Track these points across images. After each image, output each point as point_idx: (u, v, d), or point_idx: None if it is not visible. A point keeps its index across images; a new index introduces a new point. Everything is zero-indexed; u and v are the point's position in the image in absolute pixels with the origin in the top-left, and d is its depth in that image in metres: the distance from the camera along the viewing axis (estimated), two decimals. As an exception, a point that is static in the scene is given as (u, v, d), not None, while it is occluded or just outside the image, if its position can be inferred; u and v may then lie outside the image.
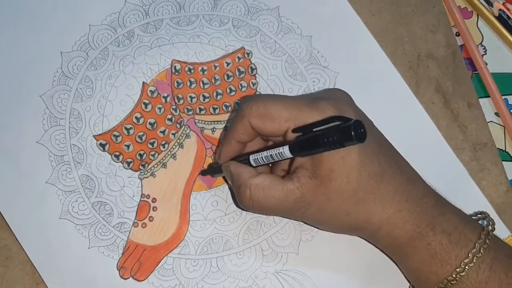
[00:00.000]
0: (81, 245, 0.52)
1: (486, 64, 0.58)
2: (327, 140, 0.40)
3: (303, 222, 0.52)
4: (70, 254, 0.52)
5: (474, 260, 0.44)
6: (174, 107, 0.55)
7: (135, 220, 0.53)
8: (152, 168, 0.54)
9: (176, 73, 0.55)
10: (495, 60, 0.59)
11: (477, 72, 0.58)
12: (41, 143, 0.54)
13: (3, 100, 0.54)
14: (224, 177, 0.53)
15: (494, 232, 0.47)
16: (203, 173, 0.54)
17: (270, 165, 0.51)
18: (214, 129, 0.54)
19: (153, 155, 0.54)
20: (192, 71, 0.56)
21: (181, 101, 0.55)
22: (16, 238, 0.52)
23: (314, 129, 0.43)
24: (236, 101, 0.55)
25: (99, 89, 0.55)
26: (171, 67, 0.56)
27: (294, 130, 0.45)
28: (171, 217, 0.53)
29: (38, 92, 0.54)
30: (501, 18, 0.58)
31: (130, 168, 0.54)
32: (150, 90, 0.55)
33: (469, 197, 0.54)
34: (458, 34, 0.59)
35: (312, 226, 0.52)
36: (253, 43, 0.57)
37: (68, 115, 0.54)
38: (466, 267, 0.44)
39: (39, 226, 0.52)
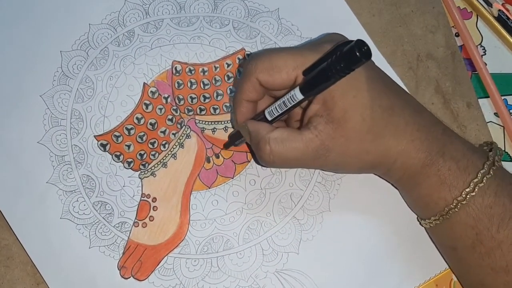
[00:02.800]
0: (82, 245, 0.52)
1: (486, 64, 0.58)
2: (334, 69, 0.40)
3: (322, 169, 0.52)
4: (71, 254, 0.52)
5: (480, 185, 0.45)
6: (174, 107, 0.55)
7: (136, 220, 0.53)
8: (153, 168, 0.54)
9: (177, 74, 0.56)
10: (494, 60, 0.59)
11: (476, 72, 0.58)
12: (42, 143, 0.54)
13: (4, 100, 0.54)
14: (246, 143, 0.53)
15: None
16: (227, 146, 0.54)
17: (285, 121, 0.51)
18: (215, 129, 0.55)
19: (153, 155, 0.54)
20: (193, 72, 0.56)
21: (182, 102, 0.55)
22: (17, 238, 0.52)
23: (319, 65, 0.43)
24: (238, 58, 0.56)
25: (100, 90, 0.55)
26: (172, 68, 0.56)
27: (304, 73, 0.45)
28: (172, 216, 0.53)
29: (38, 92, 0.55)
30: (500, 18, 0.59)
31: (131, 168, 0.54)
32: (151, 91, 0.55)
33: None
34: (457, 35, 0.59)
35: (331, 171, 0.52)
36: (253, 44, 0.57)
37: (69, 116, 0.55)
38: (468, 195, 0.45)
39: (40, 226, 0.52)
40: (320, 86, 0.43)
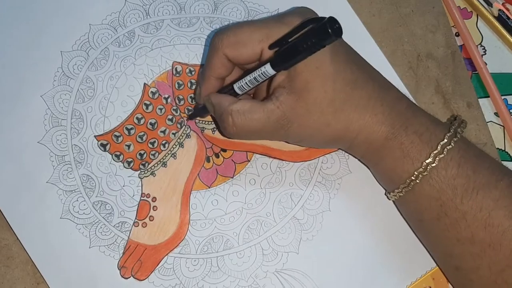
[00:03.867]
0: (82, 245, 0.52)
1: (486, 64, 0.58)
2: (306, 44, 0.41)
3: (286, 141, 0.52)
4: (71, 253, 0.52)
5: (440, 156, 0.45)
6: (175, 107, 0.55)
7: (136, 220, 0.53)
8: (152, 167, 0.54)
9: (177, 75, 0.56)
10: (494, 60, 0.59)
11: (476, 72, 0.58)
12: (42, 143, 0.54)
13: (4, 100, 0.54)
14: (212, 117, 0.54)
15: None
16: (191, 117, 0.54)
17: (252, 94, 0.52)
18: (215, 129, 0.55)
19: (153, 155, 0.54)
20: (193, 72, 0.56)
21: (182, 102, 0.55)
22: (17, 238, 0.52)
23: (289, 40, 0.44)
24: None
25: (100, 90, 0.55)
26: (172, 68, 0.56)
27: (271, 47, 0.46)
28: (171, 216, 0.53)
29: (39, 92, 0.55)
30: (500, 18, 0.59)
31: (131, 168, 0.54)
32: (151, 91, 0.55)
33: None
34: (457, 34, 0.59)
35: (295, 144, 0.52)
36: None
37: (69, 116, 0.55)
38: (428, 167, 0.45)
39: (40, 226, 0.52)
40: (291, 61, 0.43)
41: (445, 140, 0.46)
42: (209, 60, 0.48)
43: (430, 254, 0.52)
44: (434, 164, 0.45)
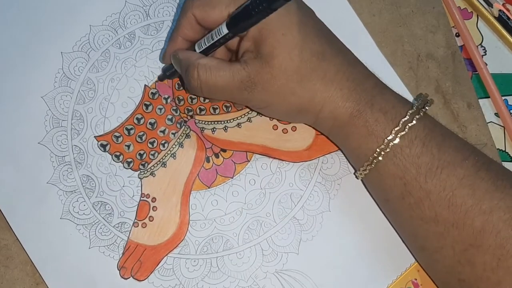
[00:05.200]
0: (81, 245, 0.52)
1: (486, 64, 0.58)
2: (257, 8, 0.42)
3: (250, 106, 0.52)
4: (71, 254, 0.52)
5: (402, 133, 0.45)
6: (174, 108, 0.55)
7: (135, 220, 0.53)
8: (152, 168, 0.54)
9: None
10: (495, 60, 0.58)
11: (477, 72, 0.58)
12: (42, 143, 0.54)
13: (5, 101, 0.55)
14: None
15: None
16: (161, 78, 0.55)
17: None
18: (214, 129, 0.55)
19: (153, 155, 0.54)
20: (194, 74, 0.56)
21: (182, 102, 0.55)
22: (17, 238, 0.52)
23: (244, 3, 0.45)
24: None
25: (101, 92, 0.55)
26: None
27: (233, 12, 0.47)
28: (171, 216, 0.53)
29: (39, 93, 0.55)
30: (501, 18, 0.59)
31: (130, 168, 0.54)
32: (152, 92, 0.55)
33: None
34: (458, 35, 0.59)
35: (259, 111, 0.52)
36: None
37: (70, 117, 0.55)
38: (390, 143, 0.46)
39: (40, 226, 0.52)
40: (243, 23, 0.44)
41: (407, 117, 0.46)
42: (179, 20, 0.50)
43: (398, 235, 0.52)
44: (396, 142, 0.45)
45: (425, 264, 0.51)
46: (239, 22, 0.45)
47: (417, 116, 0.46)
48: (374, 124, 0.46)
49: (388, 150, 0.46)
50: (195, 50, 0.49)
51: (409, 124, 0.46)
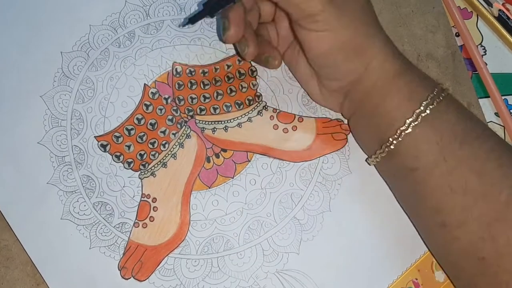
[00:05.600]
0: (82, 246, 0.52)
1: (486, 64, 0.58)
2: None
3: (309, 27, 0.48)
4: (71, 254, 0.52)
5: (436, 102, 0.47)
6: (175, 108, 0.55)
7: (136, 220, 0.53)
8: (153, 168, 0.54)
9: (177, 75, 0.56)
10: (494, 60, 0.59)
11: (476, 72, 0.58)
12: (42, 143, 0.54)
13: (4, 100, 0.54)
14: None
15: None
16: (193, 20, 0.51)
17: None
18: (215, 129, 0.55)
19: (153, 155, 0.54)
20: (193, 73, 0.56)
21: (182, 102, 0.55)
22: (17, 239, 0.52)
23: None
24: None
25: (100, 91, 0.55)
26: (172, 69, 0.56)
27: None
28: (172, 217, 0.53)
29: (38, 93, 0.55)
30: (500, 18, 0.59)
31: (131, 168, 0.54)
32: (152, 92, 0.55)
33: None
34: (457, 35, 0.59)
35: (314, 39, 0.48)
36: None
37: (69, 116, 0.55)
38: (435, 100, 0.47)
39: (40, 227, 0.52)
40: None
41: (444, 86, 0.48)
42: None
43: (412, 223, 0.52)
44: (433, 105, 0.46)
45: (443, 245, 0.49)
46: None
47: (450, 87, 0.49)
48: (416, 86, 0.47)
49: (428, 112, 0.46)
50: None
51: (445, 92, 0.47)
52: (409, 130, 0.46)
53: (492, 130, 0.49)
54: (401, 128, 0.47)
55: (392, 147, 0.48)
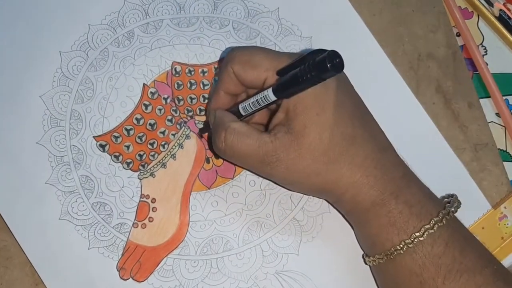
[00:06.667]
0: (80, 246, 0.52)
1: (487, 64, 0.58)
2: (305, 76, 0.41)
3: (270, 179, 0.50)
4: (70, 254, 0.52)
5: (430, 231, 0.44)
6: (174, 108, 0.55)
7: (135, 221, 0.53)
8: (152, 168, 0.53)
9: (177, 75, 0.55)
10: (495, 60, 0.58)
11: (477, 72, 0.58)
12: (41, 143, 0.54)
13: (3, 100, 0.54)
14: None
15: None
16: (201, 131, 0.55)
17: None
18: (214, 130, 0.54)
19: (152, 156, 0.54)
20: (193, 73, 0.56)
21: (181, 103, 0.55)
22: (16, 239, 0.52)
23: (293, 69, 0.44)
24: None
25: (99, 91, 0.55)
26: (172, 69, 0.56)
27: (278, 73, 0.46)
28: (171, 217, 0.53)
29: (38, 93, 0.54)
30: (501, 18, 0.58)
31: (130, 169, 0.54)
32: (151, 92, 0.55)
33: (469, 198, 0.53)
34: (458, 35, 0.59)
35: (280, 184, 0.51)
36: (253, 45, 0.56)
37: (68, 116, 0.54)
38: (416, 240, 0.44)
39: (39, 227, 0.52)
40: (290, 90, 0.43)
41: (439, 217, 0.45)
42: (220, 73, 0.49)
43: None
44: (421, 238, 0.44)
45: None
46: (286, 89, 0.44)
47: (447, 217, 0.45)
48: (398, 216, 0.45)
49: (412, 245, 0.44)
50: (237, 108, 0.48)
51: (439, 224, 0.44)
52: (391, 257, 0.46)
53: (491, 255, 0.47)
54: (383, 253, 0.46)
55: (375, 263, 0.48)
